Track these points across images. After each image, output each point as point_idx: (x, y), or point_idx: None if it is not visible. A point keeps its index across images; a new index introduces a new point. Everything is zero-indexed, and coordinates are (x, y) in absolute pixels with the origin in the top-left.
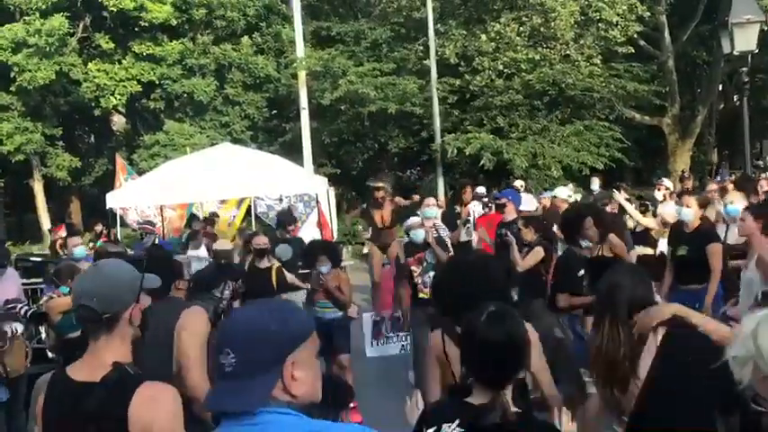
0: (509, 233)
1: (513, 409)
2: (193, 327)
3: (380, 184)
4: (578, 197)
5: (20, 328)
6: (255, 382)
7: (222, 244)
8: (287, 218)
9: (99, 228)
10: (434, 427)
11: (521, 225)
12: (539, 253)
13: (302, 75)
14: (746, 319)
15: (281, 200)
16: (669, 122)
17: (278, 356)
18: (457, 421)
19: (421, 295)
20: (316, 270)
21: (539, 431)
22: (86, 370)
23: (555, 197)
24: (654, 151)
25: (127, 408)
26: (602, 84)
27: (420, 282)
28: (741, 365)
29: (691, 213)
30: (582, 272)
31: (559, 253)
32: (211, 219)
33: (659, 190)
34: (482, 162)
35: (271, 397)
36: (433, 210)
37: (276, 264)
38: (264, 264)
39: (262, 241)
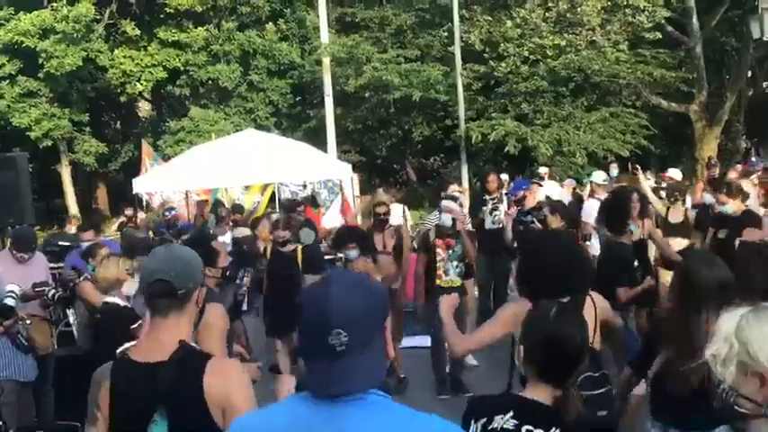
0: (535, 220)
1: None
2: (212, 323)
3: (382, 200)
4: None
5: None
6: (371, 358)
7: (241, 231)
8: (290, 203)
9: (129, 212)
10: (485, 419)
11: (547, 212)
12: None
13: (326, 61)
14: (725, 317)
15: (304, 186)
16: (696, 109)
17: (381, 329)
18: (510, 413)
19: (438, 282)
20: (343, 256)
21: (592, 427)
22: (150, 351)
23: (592, 182)
24: (681, 139)
25: (201, 382)
26: (629, 70)
27: (442, 269)
28: (723, 364)
29: (730, 208)
30: (637, 262)
31: (590, 243)
32: (239, 206)
33: (665, 182)
34: (506, 149)
35: None
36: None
37: (299, 246)
38: (288, 248)
39: (282, 235)
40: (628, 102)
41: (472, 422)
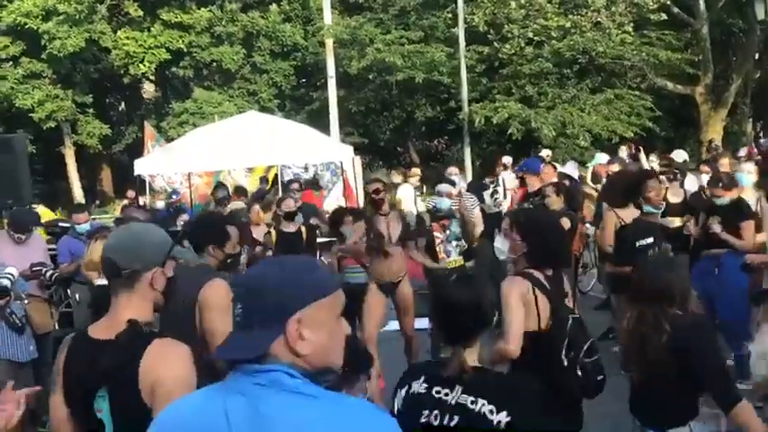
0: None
1: (474, 363)
2: (215, 302)
3: (376, 176)
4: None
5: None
6: (254, 333)
7: (235, 204)
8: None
9: (132, 194)
10: (406, 386)
11: (549, 192)
12: (565, 223)
13: (329, 43)
14: None
15: (306, 168)
16: (702, 92)
17: (280, 310)
18: (423, 377)
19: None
20: (341, 236)
21: (495, 384)
22: (105, 328)
23: (596, 165)
24: (686, 121)
25: (138, 365)
26: (634, 52)
27: (442, 250)
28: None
29: (727, 201)
30: (647, 241)
31: (587, 226)
32: (243, 188)
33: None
34: (510, 131)
35: (271, 353)
36: (455, 179)
37: (303, 226)
38: (293, 228)
39: (291, 204)
40: (633, 84)
41: (398, 390)
